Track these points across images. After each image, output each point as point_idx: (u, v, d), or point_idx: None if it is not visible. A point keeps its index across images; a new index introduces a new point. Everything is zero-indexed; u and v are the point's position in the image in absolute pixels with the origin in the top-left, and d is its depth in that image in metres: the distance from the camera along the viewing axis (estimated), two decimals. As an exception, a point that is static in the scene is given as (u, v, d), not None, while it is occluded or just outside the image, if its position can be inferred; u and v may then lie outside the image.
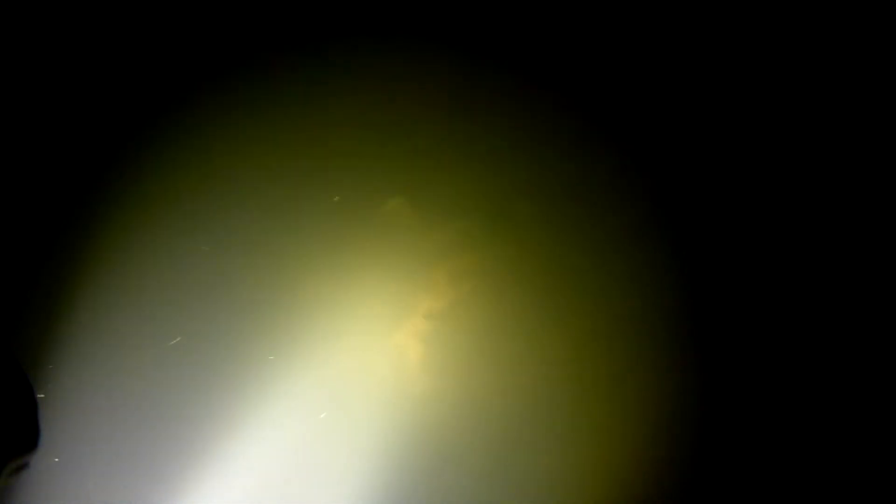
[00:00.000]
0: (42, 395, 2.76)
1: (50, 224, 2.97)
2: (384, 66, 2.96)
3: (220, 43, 3.00)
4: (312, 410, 2.95)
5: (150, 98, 3.00)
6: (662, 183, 2.98)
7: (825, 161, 2.93)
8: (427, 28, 2.97)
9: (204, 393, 2.93)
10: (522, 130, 2.99)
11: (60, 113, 2.96)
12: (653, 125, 2.97)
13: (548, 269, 3.01)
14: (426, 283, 3.01)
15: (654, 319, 2.93)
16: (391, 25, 2.97)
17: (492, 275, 3.01)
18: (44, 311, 2.91)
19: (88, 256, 2.93)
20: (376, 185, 3.01)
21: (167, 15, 2.98)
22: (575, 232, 3.00)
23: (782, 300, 2.94)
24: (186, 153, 2.98)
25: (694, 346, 2.93)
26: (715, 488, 2.90)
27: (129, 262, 2.94)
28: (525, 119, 2.99)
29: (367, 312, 3.00)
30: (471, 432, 2.97)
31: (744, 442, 2.90)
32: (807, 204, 2.94)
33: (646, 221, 2.97)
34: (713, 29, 2.96)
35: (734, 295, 2.95)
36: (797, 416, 2.89)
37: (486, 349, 2.98)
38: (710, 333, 2.93)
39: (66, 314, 2.91)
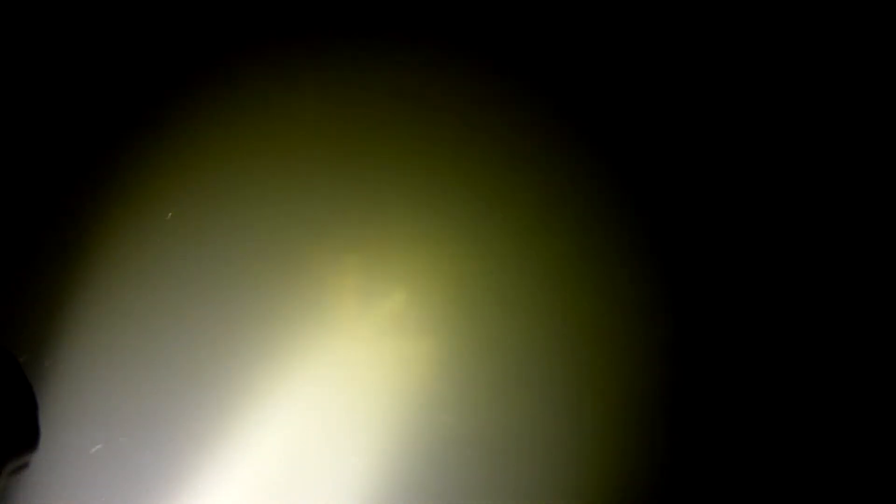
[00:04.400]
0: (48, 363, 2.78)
1: (48, 222, 2.96)
2: (388, 65, 2.96)
3: (220, 37, 2.99)
4: (313, 411, 2.95)
5: (148, 94, 2.99)
6: (651, 188, 2.98)
7: (816, 168, 2.94)
8: (434, 29, 2.96)
9: (205, 393, 2.93)
10: (523, 133, 2.99)
11: (59, 108, 2.95)
12: (641, 131, 2.97)
13: (548, 267, 3.01)
14: (428, 282, 3.01)
15: (641, 319, 2.94)
16: (397, 24, 2.97)
17: (493, 274, 3.01)
18: (43, 309, 2.91)
19: (87, 254, 2.93)
20: (375, 186, 3.00)
21: (162, 10, 2.97)
22: (571, 233, 3.01)
23: (771, 303, 2.94)
24: (185, 151, 2.98)
25: (682, 344, 2.93)
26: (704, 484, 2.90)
27: (129, 261, 2.94)
28: (525, 122, 2.99)
29: (368, 313, 3.00)
30: (472, 431, 2.97)
31: (732, 439, 2.90)
32: (796, 209, 2.94)
33: (635, 225, 2.97)
34: (709, 32, 2.96)
35: (723, 296, 2.96)
36: (788, 414, 2.90)
37: (488, 349, 2.98)
38: (699, 332, 2.94)
39: (65, 313, 2.91)
